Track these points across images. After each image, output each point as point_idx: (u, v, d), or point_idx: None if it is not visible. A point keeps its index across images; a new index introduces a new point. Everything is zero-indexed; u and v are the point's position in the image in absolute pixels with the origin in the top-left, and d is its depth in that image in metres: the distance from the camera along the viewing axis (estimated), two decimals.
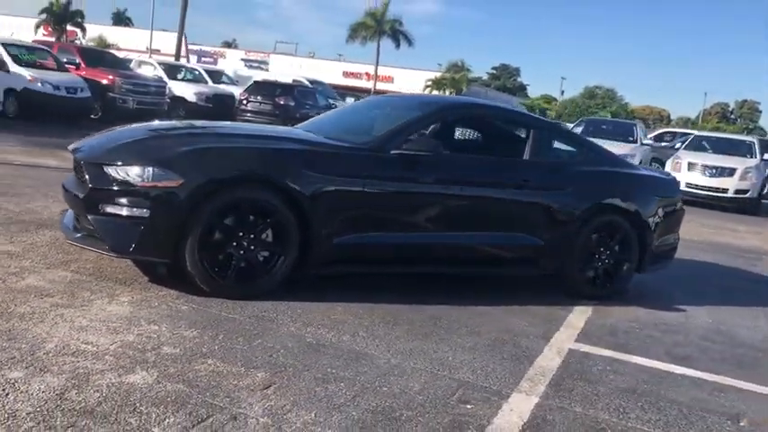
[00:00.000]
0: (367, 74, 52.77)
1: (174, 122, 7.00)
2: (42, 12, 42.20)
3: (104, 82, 17.84)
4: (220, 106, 21.32)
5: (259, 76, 32.11)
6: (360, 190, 4.55)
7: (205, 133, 4.91)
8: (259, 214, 4.31)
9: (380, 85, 52.35)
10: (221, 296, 4.23)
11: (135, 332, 3.53)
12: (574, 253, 5.37)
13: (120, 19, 79.10)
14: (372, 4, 50.41)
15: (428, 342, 4.01)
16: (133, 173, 4.09)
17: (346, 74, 55.93)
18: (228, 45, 78.00)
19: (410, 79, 52.51)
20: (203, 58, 54.15)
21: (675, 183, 6.32)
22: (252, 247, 4.31)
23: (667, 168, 15.73)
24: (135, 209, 4.07)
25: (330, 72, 54.83)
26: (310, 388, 3.14)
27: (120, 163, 4.14)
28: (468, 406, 3.21)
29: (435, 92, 49.07)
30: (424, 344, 3.97)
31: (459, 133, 5.97)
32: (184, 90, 21.55)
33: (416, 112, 5.21)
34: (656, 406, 3.53)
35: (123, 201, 4.10)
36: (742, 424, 3.47)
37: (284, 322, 4.00)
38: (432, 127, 5.35)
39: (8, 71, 15.34)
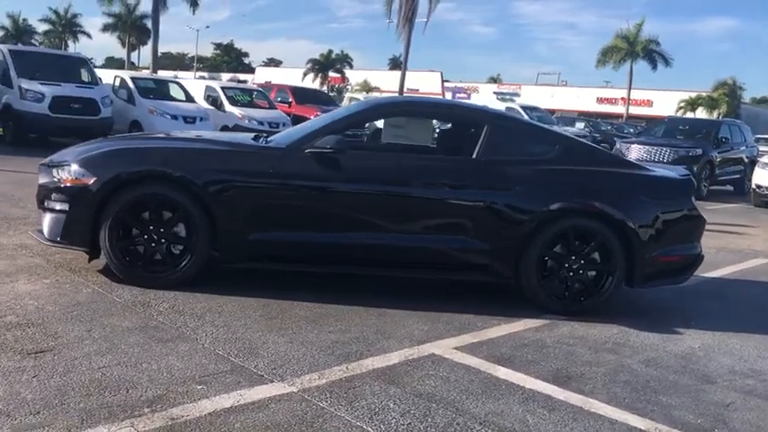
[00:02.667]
0: (623, 99, 50.22)
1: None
2: (309, 62, 47.58)
3: (311, 117, 19.64)
4: None
5: (501, 106, 32.56)
6: (271, 188, 4.69)
7: (142, 138, 5.43)
8: (168, 209, 4.70)
9: (637, 110, 49.45)
10: (134, 284, 4.68)
11: (13, 303, 4.12)
12: (528, 260, 4.86)
13: (396, 64, 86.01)
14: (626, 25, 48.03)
15: (270, 334, 4.02)
16: (64, 172, 4.76)
17: (600, 100, 53.87)
18: (494, 80, 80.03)
19: (672, 101, 48.74)
20: (457, 94, 56.38)
21: (686, 185, 5.30)
22: (162, 240, 4.70)
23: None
24: (61, 203, 4.72)
25: (583, 99, 53.30)
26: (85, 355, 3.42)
27: (62, 164, 4.84)
28: (199, 387, 3.21)
29: (689, 114, 44.86)
30: (263, 335, 3.99)
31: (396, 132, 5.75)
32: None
33: (346, 113, 5.20)
34: (450, 411, 3.16)
35: (55, 196, 4.78)
36: None
37: (154, 305, 4.30)
38: (369, 126, 5.29)
39: (224, 111, 17.73)
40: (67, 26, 70.58)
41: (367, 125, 6.10)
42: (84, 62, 16.12)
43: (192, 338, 3.83)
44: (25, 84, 14.21)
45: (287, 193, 4.75)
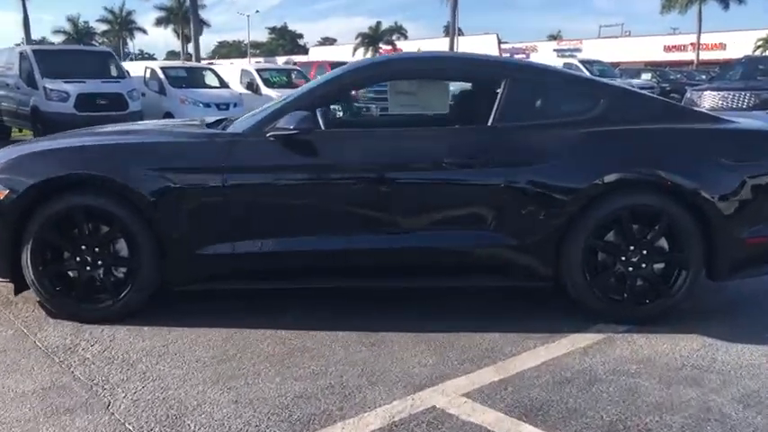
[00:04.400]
0: (692, 44, 46.91)
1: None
2: (358, 36, 46.41)
3: (353, 92, 18.52)
4: None
5: (560, 63, 30.72)
6: (225, 186, 3.63)
7: (67, 136, 4.38)
8: (105, 223, 3.71)
9: (709, 55, 46.16)
10: (67, 318, 3.74)
11: None
12: (572, 254, 3.65)
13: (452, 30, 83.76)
14: None
15: (212, 388, 2.98)
16: None
17: (667, 48, 50.60)
18: (554, 38, 76.77)
19: (748, 41, 45.17)
20: (515, 55, 54.10)
21: None
22: (99, 262, 3.72)
23: None
24: None
25: (649, 49, 50.28)
26: None
27: None
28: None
29: None
30: (203, 391, 2.96)
31: (392, 101, 4.57)
32: None
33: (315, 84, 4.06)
34: None
35: None
36: None
37: (82, 350, 3.34)
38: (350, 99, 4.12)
39: (260, 94, 16.85)
40: (124, 24, 71.57)
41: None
42: (110, 56, 15.45)
43: (104, 404, 2.83)
44: (49, 84, 13.65)
45: (246, 192, 3.68)
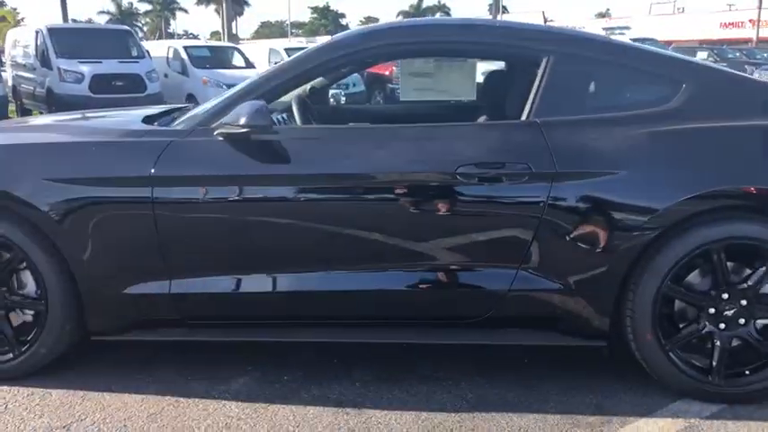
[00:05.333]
0: (751, 21, 44.27)
1: None
2: (399, 14, 45.20)
3: (386, 73, 17.45)
4: None
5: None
6: (153, 201, 2.64)
7: None
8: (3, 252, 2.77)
9: None
10: None
11: None
12: (640, 303, 2.57)
13: (496, 8, 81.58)
14: None
15: None
16: None
17: (724, 25, 47.97)
18: (602, 15, 74.07)
19: None
20: None
21: None
22: None
23: None
24: None
25: (704, 26, 47.87)
26: None
27: None
28: None
29: None
30: None
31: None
32: None
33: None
34: None
35: None
36: None
37: None
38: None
39: None
40: (165, 4, 71.51)
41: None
42: (129, 34, 14.62)
43: None
44: (64, 64, 12.90)
45: (182, 210, 2.68)
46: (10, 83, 14.97)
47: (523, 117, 2.69)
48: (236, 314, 2.80)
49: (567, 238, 2.57)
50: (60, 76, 12.87)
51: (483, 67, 4.94)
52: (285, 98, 3.23)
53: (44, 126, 3.23)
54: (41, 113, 13.79)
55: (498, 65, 4.06)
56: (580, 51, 2.82)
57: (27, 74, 14.18)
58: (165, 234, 2.66)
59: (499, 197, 2.61)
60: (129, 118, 3.21)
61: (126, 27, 16.24)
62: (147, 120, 3.05)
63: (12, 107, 14.90)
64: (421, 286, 2.68)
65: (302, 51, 2.97)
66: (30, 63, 14.01)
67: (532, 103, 2.69)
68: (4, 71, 15.28)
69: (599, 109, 2.73)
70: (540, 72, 2.73)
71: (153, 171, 2.63)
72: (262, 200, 2.67)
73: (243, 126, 2.54)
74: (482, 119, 3.18)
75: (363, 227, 2.64)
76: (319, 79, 3.94)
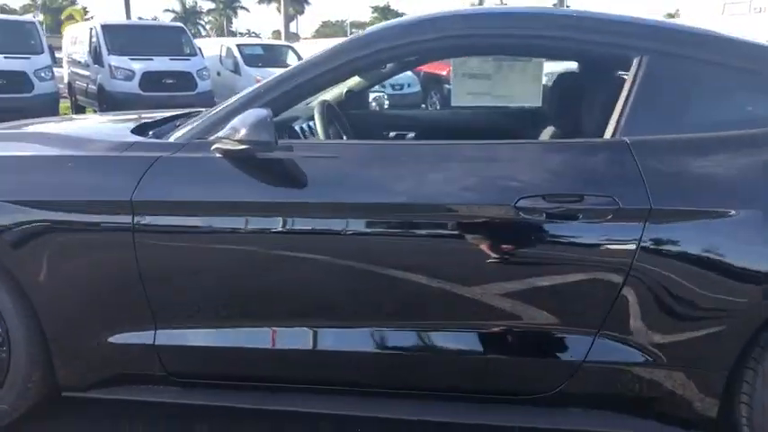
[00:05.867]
0: None
1: None
2: None
3: (443, 73, 16.78)
4: None
5: None
6: (135, 230, 2.11)
7: None
8: None
9: None
10: None
11: None
12: (762, 384, 1.91)
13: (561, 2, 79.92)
14: None
15: None
16: None
17: None
18: (671, 16, 71.88)
19: None
20: None
21: None
22: None
23: None
24: None
25: None
26: None
27: None
28: None
29: None
30: None
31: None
32: None
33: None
34: None
35: None
36: None
37: None
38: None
39: None
40: (228, 2, 72.31)
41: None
42: (182, 31, 14.38)
43: None
44: (115, 61, 12.72)
45: (173, 244, 2.14)
46: (66, 79, 14.95)
47: (607, 134, 2.06)
48: (235, 374, 2.24)
49: (665, 297, 1.93)
50: (111, 73, 12.69)
51: (550, 68, 4.27)
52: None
53: (22, 135, 2.74)
54: (95, 111, 13.67)
55: (569, 66, 3.43)
56: (683, 50, 2.15)
57: (81, 71, 14.11)
58: (149, 273, 2.13)
59: (573, 240, 1.98)
60: (121, 126, 2.66)
61: (179, 24, 16.06)
62: (141, 129, 2.51)
63: (67, 104, 14.88)
64: (464, 350, 2.08)
65: (327, 48, 2.38)
66: (84, 60, 13.92)
67: (620, 116, 2.05)
68: (60, 68, 15.29)
69: (709, 126, 2.06)
70: (630, 76, 2.08)
71: (134, 194, 2.09)
72: (267, 234, 2.10)
73: (240, 141, 1.97)
74: (548, 131, 2.55)
75: (394, 273, 2.05)
76: (357, 80, 3.38)
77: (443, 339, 2.08)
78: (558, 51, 2.75)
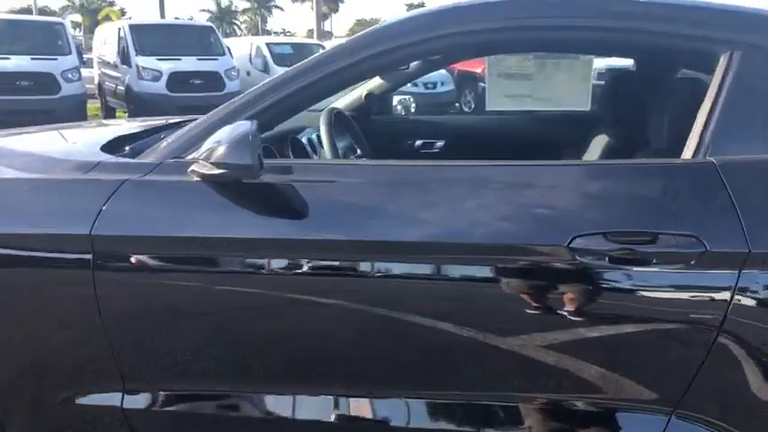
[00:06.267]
0: None
1: None
2: None
3: (478, 71, 16.25)
4: None
5: None
6: (94, 269, 1.71)
7: None
8: None
9: None
10: None
11: None
12: None
13: None
14: None
15: None
16: None
17: None
18: None
19: None
20: None
21: None
22: None
23: None
24: None
25: None
26: None
27: None
28: None
29: None
30: None
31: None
32: None
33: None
34: None
35: None
36: None
37: None
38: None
39: None
40: (262, 2, 72.47)
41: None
42: (211, 30, 14.15)
43: None
44: (142, 61, 12.52)
45: (141, 290, 1.73)
46: (96, 80, 14.83)
47: (687, 153, 1.59)
48: None
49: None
50: (138, 74, 12.51)
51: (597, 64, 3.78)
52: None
53: None
54: (124, 112, 13.48)
55: (626, 64, 2.95)
56: None
57: (110, 71, 13.96)
58: (113, 322, 1.73)
59: (644, 292, 1.52)
60: (96, 140, 2.23)
61: (208, 23, 15.84)
62: (116, 143, 2.11)
63: (97, 104, 14.76)
64: (502, 427, 1.64)
65: (334, 45, 1.94)
66: (113, 61, 13.77)
67: (704, 129, 1.58)
68: (90, 69, 15.18)
69: None
70: (717, 77, 1.62)
71: (94, 226, 1.69)
72: (255, 277, 1.69)
73: (216, 164, 1.56)
74: (601, 143, 2.09)
75: (411, 328, 1.62)
76: (379, 82, 2.96)
77: (476, 415, 1.65)
78: (616, 46, 2.28)
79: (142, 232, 1.70)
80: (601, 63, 8.49)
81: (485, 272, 1.58)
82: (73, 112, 11.16)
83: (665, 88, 2.02)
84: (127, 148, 2.07)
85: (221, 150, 1.55)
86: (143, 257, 1.71)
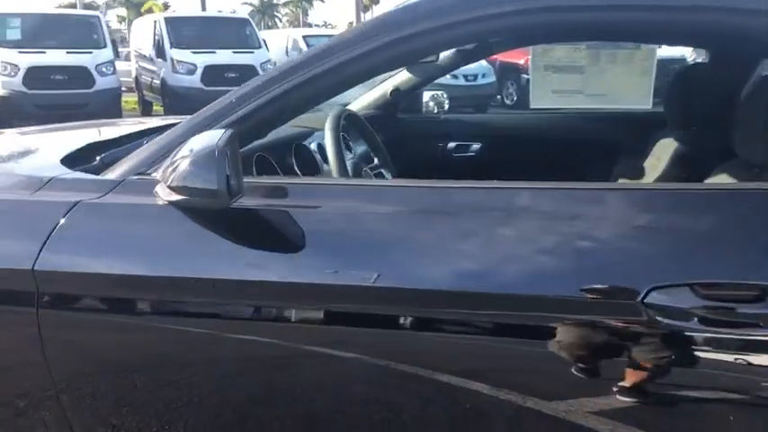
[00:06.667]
0: None
1: None
2: None
3: (521, 62, 15.71)
4: None
5: None
6: (39, 309, 1.38)
7: None
8: None
9: None
10: None
11: None
12: None
13: None
14: None
15: None
16: None
17: None
18: None
19: None
20: None
21: None
22: None
23: None
24: None
25: None
26: None
27: None
28: None
29: None
30: None
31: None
32: None
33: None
34: None
35: None
36: None
37: None
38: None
39: None
40: None
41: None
42: (246, 23, 13.92)
43: None
44: (177, 54, 12.36)
45: (93, 336, 1.40)
46: (133, 74, 14.76)
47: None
48: None
49: None
50: (173, 67, 12.35)
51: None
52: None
53: None
54: (160, 106, 13.34)
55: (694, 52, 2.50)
56: None
57: (147, 65, 13.86)
58: (63, 375, 1.40)
59: (745, 364, 1.12)
60: (58, 149, 1.88)
61: (244, 16, 15.63)
62: (85, 152, 1.77)
63: (134, 98, 14.67)
64: None
65: (339, 33, 1.56)
66: (149, 54, 13.66)
67: None
68: (126, 62, 15.12)
69: None
70: None
71: (38, 260, 1.35)
72: (233, 326, 1.33)
73: (174, 188, 1.20)
74: (667, 149, 1.68)
75: (433, 394, 1.25)
76: (407, 76, 2.59)
77: None
78: (684, 34, 1.86)
79: (93, 269, 1.35)
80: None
81: (527, 330, 1.19)
82: (107, 106, 11.05)
83: (751, 84, 1.60)
84: (98, 157, 1.73)
85: (181, 170, 1.19)
86: (94, 301, 1.37)
